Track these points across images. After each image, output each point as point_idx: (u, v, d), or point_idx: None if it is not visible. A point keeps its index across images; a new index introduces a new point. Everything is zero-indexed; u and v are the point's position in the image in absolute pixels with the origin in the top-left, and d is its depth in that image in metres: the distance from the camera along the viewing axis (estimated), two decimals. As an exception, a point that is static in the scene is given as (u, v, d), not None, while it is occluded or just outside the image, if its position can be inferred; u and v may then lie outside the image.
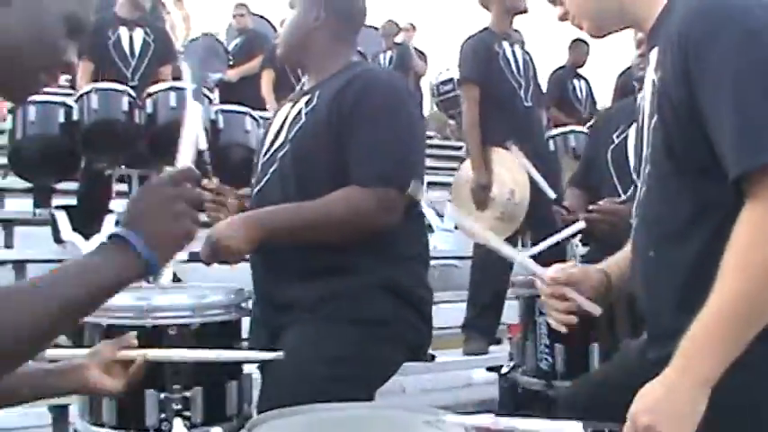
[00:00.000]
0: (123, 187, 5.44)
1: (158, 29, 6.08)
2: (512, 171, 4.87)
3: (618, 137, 3.81)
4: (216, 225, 2.49)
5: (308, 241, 2.50)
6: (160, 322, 2.36)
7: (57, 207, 5.55)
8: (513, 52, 5.28)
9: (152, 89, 5.20)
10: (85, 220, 5.16)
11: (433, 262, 7.26)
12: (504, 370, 3.29)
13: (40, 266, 5.53)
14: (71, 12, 1.50)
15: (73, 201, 5.86)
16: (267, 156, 2.69)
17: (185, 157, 1.55)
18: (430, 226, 7.47)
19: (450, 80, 9.65)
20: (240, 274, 2.74)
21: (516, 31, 5.74)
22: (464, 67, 5.25)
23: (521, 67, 5.24)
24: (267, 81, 7.98)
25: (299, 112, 2.66)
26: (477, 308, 4.88)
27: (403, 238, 2.61)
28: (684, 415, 1.61)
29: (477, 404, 4.27)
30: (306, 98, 2.69)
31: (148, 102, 5.09)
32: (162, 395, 2.34)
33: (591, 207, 3.39)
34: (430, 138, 12.61)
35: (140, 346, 2.33)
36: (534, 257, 2.20)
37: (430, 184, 9.18)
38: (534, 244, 3.90)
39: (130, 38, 5.81)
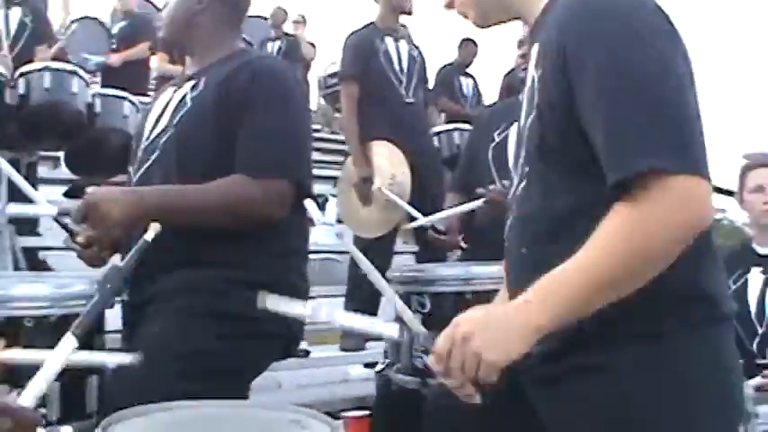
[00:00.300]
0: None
1: (37, 9, 5.88)
2: (390, 159, 4.91)
3: (499, 135, 3.83)
4: (96, 192, 2.37)
5: (187, 226, 2.40)
6: (16, 313, 2.25)
7: None
8: (398, 47, 5.30)
9: (25, 68, 4.99)
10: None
11: (313, 256, 7.26)
12: (378, 367, 3.23)
13: None
14: None
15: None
16: (148, 141, 2.59)
17: (29, 395, 1.50)
18: (311, 220, 7.41)
19: (337, 73, 9.60)
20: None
21: (403, 26, 5.73)
22: (344, 63, 5.28)
23: (403, 62, 5.26)
24: (162, 61, 7.94)
25: (184, 97, 2.57)
26: (355, 303, 4.86)
27: (283, 232, 2.53)
28: (503, 342, 1.61)
29: (353, 400, 4.23)
30: (191, 83, 2.61)
31: (21, 81, 4.89)
32: (16, 392, 2.22)
33: (490, 187, 3.44)
34: (317, 131, 12.58)
35: (-7, 338, 2.24)
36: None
37: (316, 177, 9.13)
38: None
39: (6, 16, 5.61)
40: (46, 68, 4.95)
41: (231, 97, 2.48)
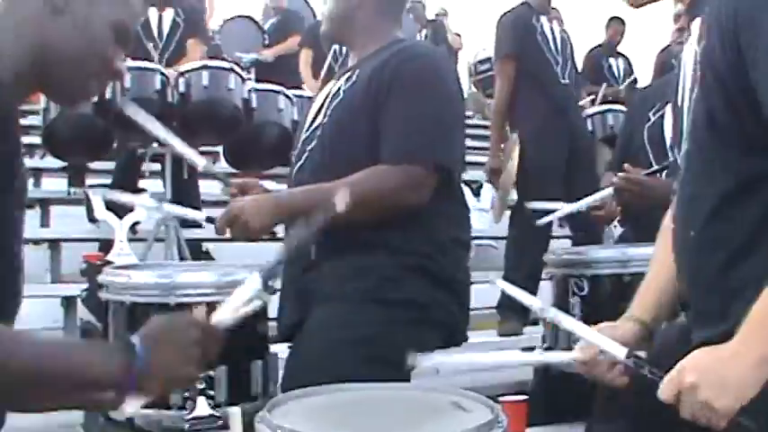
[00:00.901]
0: (156, 167, 5.43)
1: (188, 7, 6.05)
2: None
3: (654, 114, 3.73)
4: (239, 199, 2.45)
5: (332, 222, 2.44)
6: (184, 300, 2.34)
7: (90, 186, 5.57)
8: (552, 28, 5.23)
9: (184, 68, 5.17)
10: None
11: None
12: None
13: (75, 245, 5.57)
14: (119, 20, 1.53)
15: (107, 180, 5.87)
16: (306, 133, 2.65)
17: (224, 315, 1.56)
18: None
19: (488, 59, 9.54)
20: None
21: (554, 8, 5.67)
22: (501, 41, 5.20)
23: (558, 43, 5.18)
24: (305, 60, 8.00)
25: (339, 89, 2.61)
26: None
27: (441, 219, 2.53)
28: (732, 386, 1.54)
29: (510, 386, 4.21)
30: (346, 75, 2.64)
31: (181, 81, 5.06)
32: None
33: (619, 174, 3.34)
34: (469, 117, 12.54)
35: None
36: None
37: (468, 163, 9.10)
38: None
39: (160, 18, 5.80)
40: (204, 67, 5.11)
41: (380, 85, 2.48)
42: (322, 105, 2.65)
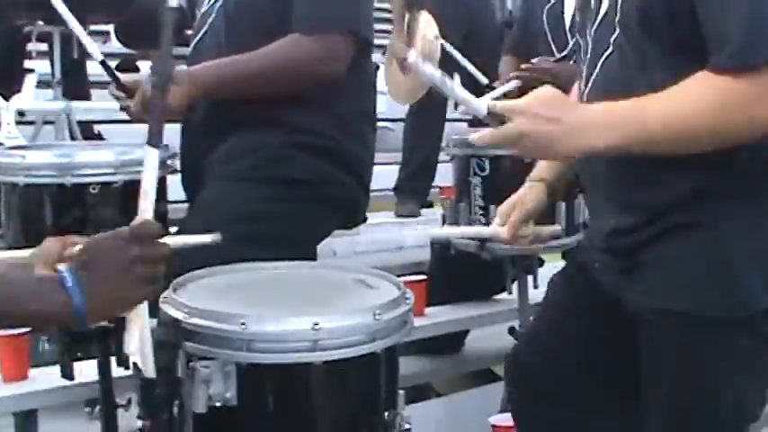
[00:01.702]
0: (44, 47, 5.22)
1: None
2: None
3: None
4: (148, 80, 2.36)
5: (248, 95, 2.39)
6: (81, 180, 2.27)
7: (-25, 67, 5.33)
8: None
9: (73, -61, 4.93)
10: (4, 81, 4.94)
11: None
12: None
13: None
14: None
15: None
16: (207, 6, 2.55)
17: (146, 208, 1.44)
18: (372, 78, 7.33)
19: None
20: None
21: None
22: None
23: None
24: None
25: None
26: (410, 170, 4.86)
27: (347, 92, 2.48)
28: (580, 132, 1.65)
29: (409, 266, 4.26)
30: None
31: (69, -47, 4.82)
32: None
33: (523, 66, 3.34)
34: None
35: (60, 206, 2.27)
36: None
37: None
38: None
39: None
40: (94, -63, 4.87)
41: None
42: None
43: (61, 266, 1.31)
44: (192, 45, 2.57)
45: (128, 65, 6.15)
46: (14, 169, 2.29)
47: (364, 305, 1.63)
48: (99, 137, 5.56)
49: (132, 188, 2.29)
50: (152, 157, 1.46)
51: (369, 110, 2.65)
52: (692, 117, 1.63)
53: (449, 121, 5.38)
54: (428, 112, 4.88)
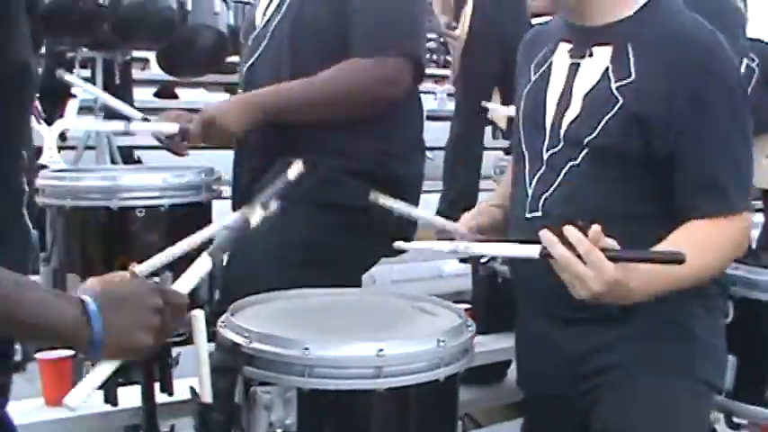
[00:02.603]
0: (86, 73, 5.23)
1: None
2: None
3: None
4: (209, 105, 2.36)
5: (308, 120, 2.35)
6: (127, 203, 2.24)
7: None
8: None
9: (114, -32, 4.94)
10: (48, 106, 4.96)
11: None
12: (483, 258, 3.17)
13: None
14: None
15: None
16: (258, 29, 2.52)
17: (185, 284, 1.43)
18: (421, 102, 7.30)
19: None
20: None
21: None
22: None
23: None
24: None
25: None
26: (450, 199, 4.81)
27: (396, 118, 2.44)
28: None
29: (449, 296, 4.18)
30: None
31: (112, -19, 4.84)
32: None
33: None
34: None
35: (106, 229, 2.25)
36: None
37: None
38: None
39: None
40: (137, -33, 4.88)
41: None
42: (274, 1, 2.52)
43: (86, 297, 1.27)
44: (246, 69, 2.53)
45: (167, 92, 6.20)
46: (61, 192, 2.27)
47: (428, 332, 1.58)
48: (140, 161, 5.56)
49: (178, 211, 2.30)
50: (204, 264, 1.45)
51: (418, 136, 2.61)
52: (719, 265, 1.83)
53: (488, 149, 5.34)
54: (468, 141, 4.86)
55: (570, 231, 1.55)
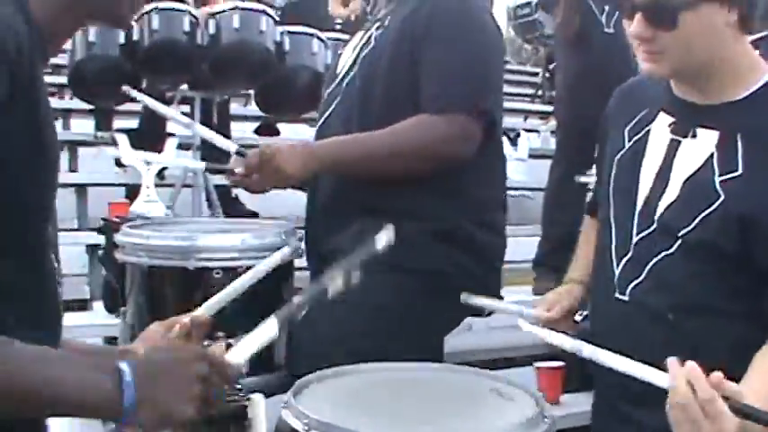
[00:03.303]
0: (186, 109, 5.29)
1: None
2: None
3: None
4: (274, 145, 2.31)
5: (373, 175, 2.30)
6: (204, 264, 2.21)
7: (118, 130, 5.43)
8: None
9: (215, 9, 4.99)
10: (147, 144, 5.00)
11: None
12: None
13: (102, 190, 5.45)
14: None
15: (134, 123, 5.74)
16: (333, 86, 2.50)
17: (243, 351, 1.40)
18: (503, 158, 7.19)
19: (528, 3, 9.28)
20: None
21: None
22: None
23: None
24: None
25: (370, 38, 2.46)
26: (549, 245, 4.66)
27: (473, 177, 2.37)
28: None
29: (543, 346, 4.06)
30: (377, 24, 2.49)
31: (211, 22, 4.87)
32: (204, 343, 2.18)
33: None
34: (506, 62, 12.24)
35: (183, 288, 2.21)
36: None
37: (505, 110, 8.89)
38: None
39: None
40: (235, 8, 4.91)
41: (414, 33, 2.34)
42: (351, 55, 2.50)
43: (123, 364, 1.23)
44: (319, 125, 2.50)
45: (269, 128, 6.20)
46: (138, 250, 2.24)
47: (498, 425, 1.47)
48: (237, 201, 5.58)
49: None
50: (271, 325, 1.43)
51: (499, 195, 2.54)
52: None
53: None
54: (568, 184, 4.70)
55: (695, 374, 1.43)
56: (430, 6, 2.36)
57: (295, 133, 6.38)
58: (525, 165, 7.03)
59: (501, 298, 2.79)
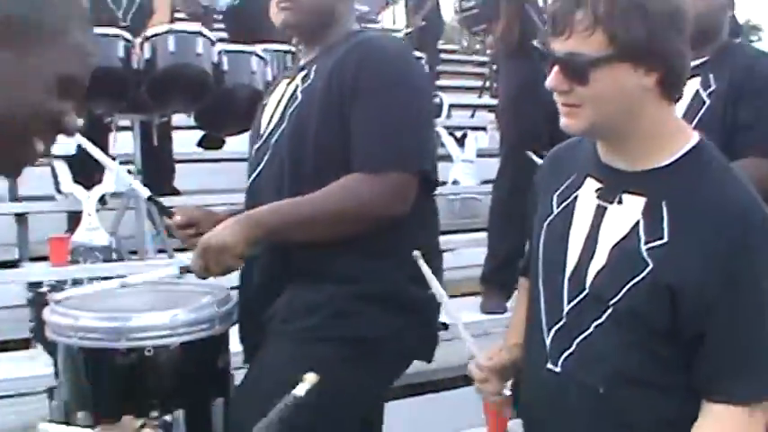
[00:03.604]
0: (127, 135, 5.21)
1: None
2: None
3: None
4: (207, 233, 2.24)
5: (310, 238, 2.26)
6: (136, 344, 2.16)
7: (56, 157, 5.33)
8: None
9: (149, 32, 4.90)
10: (86, 170, 4.93)
11: (453, 196, 7.00)
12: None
13: (44, 217, 5.35)
14: (65, 74, 1.24)
15: (73, 149, 5.63)
16: (261, 141, 2.43)
17: None
18: (450, 157, 7.15)
19: (474, -6, 9.22)
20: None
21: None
22: None
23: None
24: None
25: (295, 91, 2.39)
26: (497, 261, 4.62)
27: (408, 233, 2.30)
28: None
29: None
30: (302, 74, 2.42)
31: (146, 46, 4.79)
32: (140, 421, 2.13)
33: None
34: (452, 52, 12.22)
35: (116, 369, 2.17)
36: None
37: (452, 106, 8.86)
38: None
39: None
40: (170, 31, 4.83)
41: (342, 88, 2.27)
42: (275, 109, 2.44)
43: None
44: (250, 182, 2.45)
45: (212, 139, 6.11)
46: (68, 330, 2.20)
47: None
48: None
49: (189, 348, 2.20)
50: None
51: (434, 243, 2.47)
52: None
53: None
54: (515, 197, 4.63)
55: None
56: (356, 59, 2.29)
57: (242, 144, 6.29)
58: (473, 166, 7.00)
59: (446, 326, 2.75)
